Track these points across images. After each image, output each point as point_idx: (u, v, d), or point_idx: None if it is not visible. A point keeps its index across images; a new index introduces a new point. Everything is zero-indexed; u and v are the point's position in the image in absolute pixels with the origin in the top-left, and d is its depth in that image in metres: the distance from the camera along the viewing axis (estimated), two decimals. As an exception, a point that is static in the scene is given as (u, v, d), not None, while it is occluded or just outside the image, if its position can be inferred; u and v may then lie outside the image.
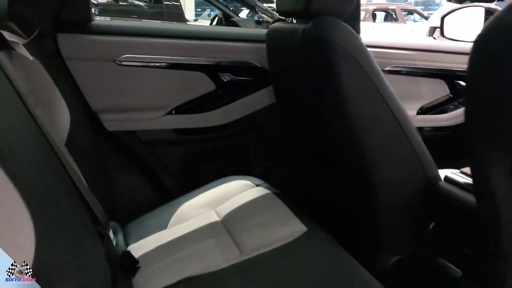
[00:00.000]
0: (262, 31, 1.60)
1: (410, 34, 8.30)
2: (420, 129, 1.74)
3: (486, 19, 1.82)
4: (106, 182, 1.34)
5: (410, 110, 1.74)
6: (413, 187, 1.11)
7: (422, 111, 1.77)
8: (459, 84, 1.78)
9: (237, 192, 1.34)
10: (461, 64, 1.73)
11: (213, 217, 1.23)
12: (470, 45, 1.75)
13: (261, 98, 1.60)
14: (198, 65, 1.52)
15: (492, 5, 1.83)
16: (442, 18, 2.00)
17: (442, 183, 1.09)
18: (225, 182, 1.40)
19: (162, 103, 1.52)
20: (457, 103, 1.78)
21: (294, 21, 1.26)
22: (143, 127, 1.50)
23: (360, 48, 1.05)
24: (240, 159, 1.67)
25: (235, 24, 5.04)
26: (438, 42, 1.84)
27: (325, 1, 1.08)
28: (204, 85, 1.54)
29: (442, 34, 1.99)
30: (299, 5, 1.11)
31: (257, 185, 1.37)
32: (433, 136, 1.78)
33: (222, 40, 1.54)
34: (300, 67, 1.18)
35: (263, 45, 1.44)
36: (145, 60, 1.46)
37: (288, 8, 1.19)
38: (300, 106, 1.32)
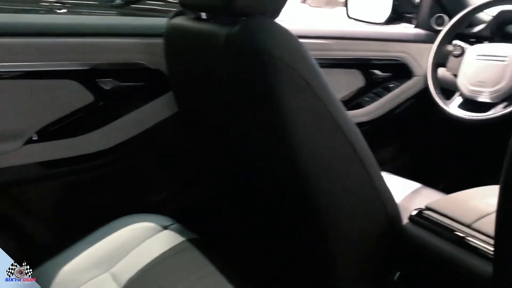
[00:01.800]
0: (153, 21, 1.23)
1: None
2: None
3: (394, -1, 1.67)
4: None
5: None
6: (373, 231, 0.89)
7: (339, 106, 1.58)
8: (374, 73, 1.62)
9: (139, 240, 1.01)
10: (376, 51, 1.56)
11: (110, 286, 0.91)
12: (387, 29, 1.57)
13: (158, 109, 1.24)
14: (67, 71, 1.11)
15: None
16: (347, -4, 1.82)
17: (407, 225, 0.89)
18: (121, 225, 1.05)
19: (17, 128, 1.09)
20: (372, 94, 1.62)
21: (204, 16, 0.93)
22: (-9, 166, 1.07)
23: (306, 60, 0.78)
24: (135, 189, 1.31)
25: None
26: (352, 28, 1.65)
27: None
28: (77, 97, 1.14)
29: (347, 14, 1.81)
30: None
31: (165, 227, 1.05)
32: None
33: (99, 35, 1.14)
34: (222, 81, 0.87)
35: (157, 41, 1.09)
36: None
37: (200, 0, 0.86)
38: (219, 127, 1.01)
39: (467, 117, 1.32)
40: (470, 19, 1.44)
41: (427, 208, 0.87)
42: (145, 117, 1.24)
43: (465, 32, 1.50)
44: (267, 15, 0.80)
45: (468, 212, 0.83)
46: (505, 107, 1.23)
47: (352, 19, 1.80)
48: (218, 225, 1.26)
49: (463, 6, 1.53)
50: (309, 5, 5.71)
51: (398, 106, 1.62)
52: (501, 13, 1.44)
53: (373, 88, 1.62)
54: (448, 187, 1.24)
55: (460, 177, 1.65)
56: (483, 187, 0.94)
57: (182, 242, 1.00)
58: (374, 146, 1.66)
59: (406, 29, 1.68)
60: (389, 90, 1.61)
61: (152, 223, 1.05)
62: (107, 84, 1.18)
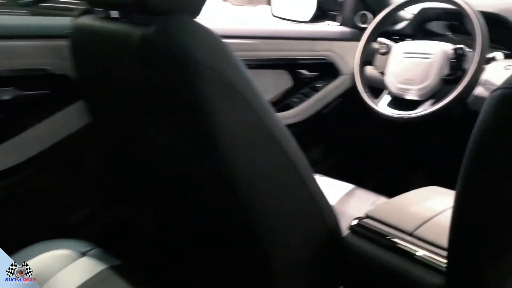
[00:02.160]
0: (58, 20, 1.09)
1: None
2: None
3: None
4: None
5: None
6: (313, 243, 0.83)
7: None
8: (301, 73, 1.59)
9: (53, 270, 0.88)
10: (302, 51, 1.52)
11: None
12: (313, 28, 1.54)
13: (68, 120, 1.10)
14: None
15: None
16: (271, -6, 1.76)
17: (348, 236, 0.84)
18: (31, 254, 0.90)
19: None
20: (300, 95, 1.58)
21: (115, 14, 0.82)
22: None
23: (232, 62, 0.70)
24: (47, 212, 1.16)
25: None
26: (277, 27, 1.60)
27: None
28: None
29: (271, 12, 1.76)
30: None
31: (84, 253, 0.92)
32: None
33: None
34: (137, 88, 0.76)
35: (63, 43, 0.96)
36: None
37: None
38: (137, 139, 0.90)
39: (395, 115, 1.30)
40: (394, 16, 1.44)
41: (367, 216, 0.83)
42: (54, 130, 1.09)
43: (389, 30, 1.50)
44: (187, 14, 0.71)
45: (409, 218, 0.79)
46: (432, 104, 1.23)
47: (277, 18, 1.75)
48: (143, 248, 1.14)
49: (386, 3, 1.53)
50: (231, 3, 5.64)
51: (326, 106, 1.59)
52: (422, 10, 1.46)
53: (301, 88, 1.58)
54: (379, 186, 1.22)
55: (390, 176, 1.66)
56: (421, 189, 0.92)
57: (104, 269, 0.88)
58: (304, 148, 1.63)
59: (331, 27, 1.65)
60: (316, 90, 1.57)
61: (68, 249, 0.92)
62: (7, 93, 1.02)
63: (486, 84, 1.25)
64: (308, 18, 1.62)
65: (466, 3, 1.18)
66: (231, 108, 0.68)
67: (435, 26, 1.50)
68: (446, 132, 1.46)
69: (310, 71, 1.59)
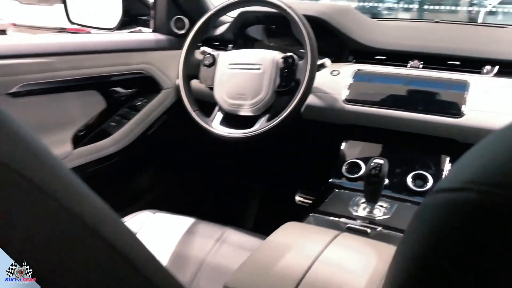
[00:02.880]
0: None
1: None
2: (81, 168, 1.21)
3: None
4: None
5: (63, 144, 1.18)
6: None
7: (78, 138, 1.24)
8: (115, 91, 1.34)
9: None
10: (114, 66, 1.28)
11: None
12: (122, 37, 1.29)
13: None
14: None
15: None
16: (65, -3, 1.45)
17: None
18: None
19: None
20: (118, 117, 1.34)
21: None
22: None
23: (11, 135, 0.44)
24: None
25: None
26: (79, 38, 1.31)
27: None
28: None
29: (68, 19, 1.46)
30: None
31: None
32: (98, 172, 1.28)
33: None
34: None
35: None
36: None
37: None
38: None
39: (230, 135, 1.15)
40: (216, 22, 1.28)
41: None
42: None
43: (210, 36, 1.35)
44: None
45: (279, 283, 0.64)
46: (268, 119, 1.12)
47: (76, 25, 1.47)
48: None
49: (202, 6, 1.38)
50: (19, 2, 4.91)
51: (151, 126, 1.37)
52: (241, 14, 1.34)
53: (117, 109, 1.34)
54: (221, 214, 1.08)
55: (232, 199, 1.53)
56: (279, 233, 0.78)
57: None
58: (130, 179, 1.37)
59: (144, 35, 1.43)
60: (137, 109, 1.35)
61: None
62: None
63: (316, 92, 1.19)
64: (114, 25, 1.38)
65: (290, 7, 1.08)
66: (33, 215, 0.42)
67: (254, 30, 1.40)
68: (283, 145, 1.38)
69: (126, 88, 1.35)
